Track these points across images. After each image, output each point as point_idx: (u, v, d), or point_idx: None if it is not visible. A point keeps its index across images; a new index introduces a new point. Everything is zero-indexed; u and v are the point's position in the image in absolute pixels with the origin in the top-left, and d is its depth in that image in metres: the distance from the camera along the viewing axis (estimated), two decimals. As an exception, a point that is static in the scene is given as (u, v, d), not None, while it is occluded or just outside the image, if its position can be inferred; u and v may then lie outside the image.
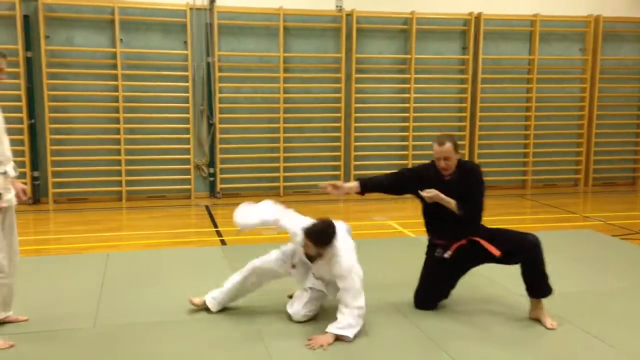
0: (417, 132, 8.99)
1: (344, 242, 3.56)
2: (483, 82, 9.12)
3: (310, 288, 3.74)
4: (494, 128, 9.32)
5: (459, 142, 4.05)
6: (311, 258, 3.57)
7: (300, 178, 8.84)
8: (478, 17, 8.98)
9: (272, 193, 8.56)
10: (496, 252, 3.66)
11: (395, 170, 4.04)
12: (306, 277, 3.79)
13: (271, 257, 3.80)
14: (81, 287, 4.35)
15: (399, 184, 3.94)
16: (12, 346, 3.30)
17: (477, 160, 8.98)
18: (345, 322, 3.41)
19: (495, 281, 4.43)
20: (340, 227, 3.63)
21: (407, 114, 9.00)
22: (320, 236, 3.44)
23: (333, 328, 3.41)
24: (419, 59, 8.89)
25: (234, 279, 3.82)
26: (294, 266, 3.77)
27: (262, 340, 3.45)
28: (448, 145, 3.69)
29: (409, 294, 3.99)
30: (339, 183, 3.97)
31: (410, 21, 8.79)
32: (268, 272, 3.81)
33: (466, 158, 8.59)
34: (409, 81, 8.91)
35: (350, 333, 3.40)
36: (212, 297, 3.83)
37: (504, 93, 9.33)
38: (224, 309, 3.85)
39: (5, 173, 3.34)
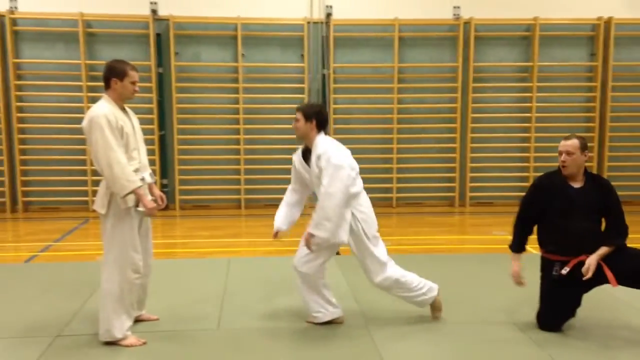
0: (539, 144, 8.55)
1: (336, 145, 3.78)
2: (614, 90, 8.51)
3: None
4: (626, 139, 8.65)
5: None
6: (306, 156, 3.85)
7: (414, 189, 8.72)
8: (608, 22, 8.40)
9: (384, 203, 8.53)
10: (614, 283, 3.47)
11: (521, 216, 3.78)
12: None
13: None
14: (205, 289, 4.57)
15: (534, 220, 3.73)
16: (144, 343, 3.53)
17: (607, 174, 8.37)
18: (316, 219, 3.55)
19: (627, 303, 4.07)
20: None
21: (528, 124, 8.60)
22: (309, 107, 3.85)
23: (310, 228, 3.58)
24: (542, 67, 8.47)
25: (300, 290, 3.87)
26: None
27: (375, 343, 3.46)
28: (574, 140, 3.57)
29: (532, 314, 3.78)
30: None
31: (533, 27, 8.41)
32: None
33: (595, 171, 8.02)
34: (531, 90, 8.51)
35: (320, 232, 3.53)
36: (316, 314, 3.82)
37: (637, 102, 8.63)
38: (337, 319, 3.86)
39: (142, 179, 3.58)
